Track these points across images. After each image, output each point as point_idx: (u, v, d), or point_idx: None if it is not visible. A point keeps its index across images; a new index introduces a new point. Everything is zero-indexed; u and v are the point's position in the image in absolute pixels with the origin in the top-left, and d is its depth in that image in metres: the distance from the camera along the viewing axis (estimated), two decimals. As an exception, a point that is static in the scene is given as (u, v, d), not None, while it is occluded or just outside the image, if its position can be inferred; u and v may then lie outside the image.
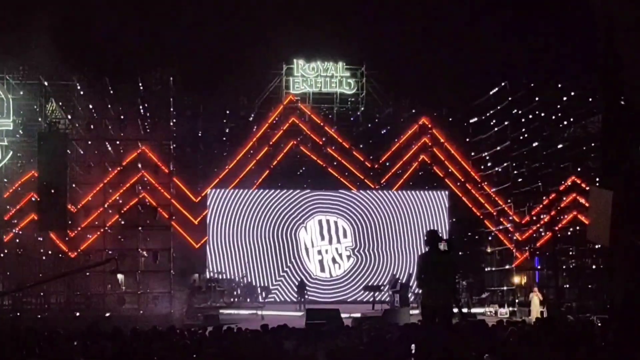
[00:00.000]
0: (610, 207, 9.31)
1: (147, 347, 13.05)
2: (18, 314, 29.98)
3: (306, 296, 33.80)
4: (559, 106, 35.11)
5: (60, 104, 34.74)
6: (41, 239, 33.94)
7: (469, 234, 39.00)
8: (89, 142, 35.28)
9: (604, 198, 9.62)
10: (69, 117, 34.87)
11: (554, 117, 35.69)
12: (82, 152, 35.12)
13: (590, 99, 33.52)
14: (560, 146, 35.36)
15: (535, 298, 28.30)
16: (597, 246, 31.37)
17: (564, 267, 34.88)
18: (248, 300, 33.32)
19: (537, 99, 35.54)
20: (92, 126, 35.03)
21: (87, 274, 32.71)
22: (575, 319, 24.41)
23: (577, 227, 33.78)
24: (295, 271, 35.57)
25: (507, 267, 36.89)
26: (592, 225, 10.76)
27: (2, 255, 33.52)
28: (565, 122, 35.52)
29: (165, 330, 16.63)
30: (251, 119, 38.14)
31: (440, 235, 13.21)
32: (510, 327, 15.26)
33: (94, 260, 31.63)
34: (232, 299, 33.30)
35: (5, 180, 33.67)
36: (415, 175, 37.82)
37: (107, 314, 30.62)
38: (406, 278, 33.60)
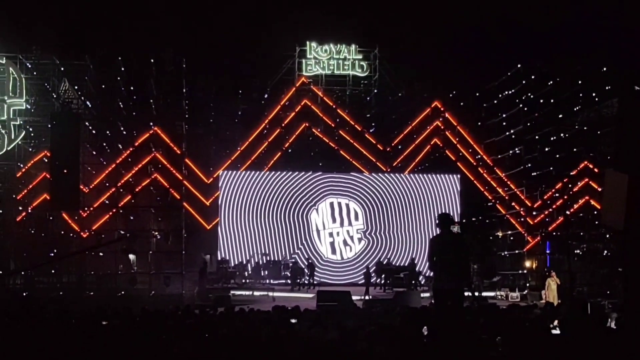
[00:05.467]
0: (626, 191, 9.18)
1: (158, 327, 13.06)
2: (30, 293, 30.17)
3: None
4: (572, 90, 34.93)
5: (74, 84, 34.76)
6: (53, 219, 34.12)
7: (481, 217, 38.92)
8: (102, 123, 35.41)
9: (619, 181, 9.49)
10: (82, 97, 34.93)
11: (567, 101, 35.52)
12: (94, 132, 35.22)
13: (604, 83, 33.37)
14: (573, 130, 35.23)
15: (553, 283, 27.71)
16: (608, 231, 31.38)
17: (575, 251, 34.76)
18: (297, 280, 32.98)
19: (550, 82, 35.32)
20: (104, 106, 35.20)
21: (100, 254, 32.85)
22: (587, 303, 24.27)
23: (589, 212, 33.69)
24: (306, 253, 35.53)
25: (518, 251, 36.84)
26: (607, 209, 10.61)
27: (14, 234, 33.76)
28: (578, 107, 35.39)
29: (178, 310, 16.68)
30: (263, 101, 38.09)
31: (452, 218, 13.07)
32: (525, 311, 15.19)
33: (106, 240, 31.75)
34: (244, 280, 33.38)
35: (18, 159, 33.79)
36: (427, 158, 37.67)
37: (119, 294, 30.81)
38: (416, 261, 33.72)
